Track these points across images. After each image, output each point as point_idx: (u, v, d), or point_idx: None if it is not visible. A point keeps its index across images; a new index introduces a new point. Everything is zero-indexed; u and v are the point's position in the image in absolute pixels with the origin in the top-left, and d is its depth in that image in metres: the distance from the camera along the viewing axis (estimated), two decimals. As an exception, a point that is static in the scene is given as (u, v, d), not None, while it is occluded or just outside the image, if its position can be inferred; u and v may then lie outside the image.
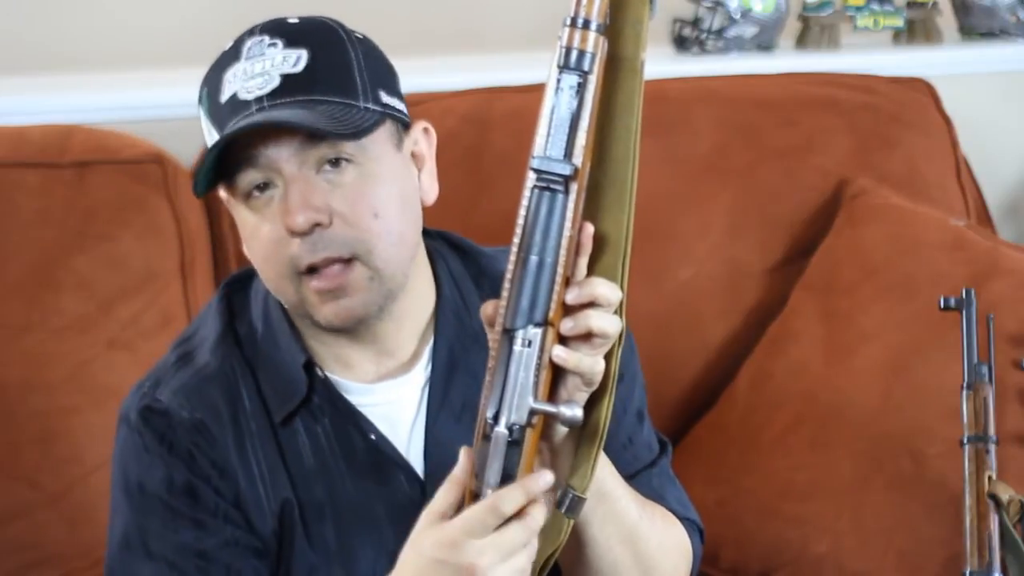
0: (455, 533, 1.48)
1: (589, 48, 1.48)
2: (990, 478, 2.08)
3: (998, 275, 2.35)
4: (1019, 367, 2.22)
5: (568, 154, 1.48)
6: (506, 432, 1.49)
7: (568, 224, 1.48)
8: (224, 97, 1.65)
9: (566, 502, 1.55)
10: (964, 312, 2.14)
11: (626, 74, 1.52)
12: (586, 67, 1.48)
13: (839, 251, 2.51)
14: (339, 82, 1.66)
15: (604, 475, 1.63)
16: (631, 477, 1.71)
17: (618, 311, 1.53)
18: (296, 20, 1.69)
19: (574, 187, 1.48)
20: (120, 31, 2.75)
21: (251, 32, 1.68)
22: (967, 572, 2.05)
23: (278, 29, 1.67)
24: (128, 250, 2.40)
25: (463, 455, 1.50)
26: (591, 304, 1.50)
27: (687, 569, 1.79)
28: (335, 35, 1.69)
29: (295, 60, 1.65)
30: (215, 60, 1.69)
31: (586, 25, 1.48)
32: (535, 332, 1.49)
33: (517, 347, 1.49)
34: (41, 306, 2.34)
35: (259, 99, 1.63)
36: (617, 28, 1.51)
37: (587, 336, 1.50)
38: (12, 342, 2.32)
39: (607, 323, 1.51)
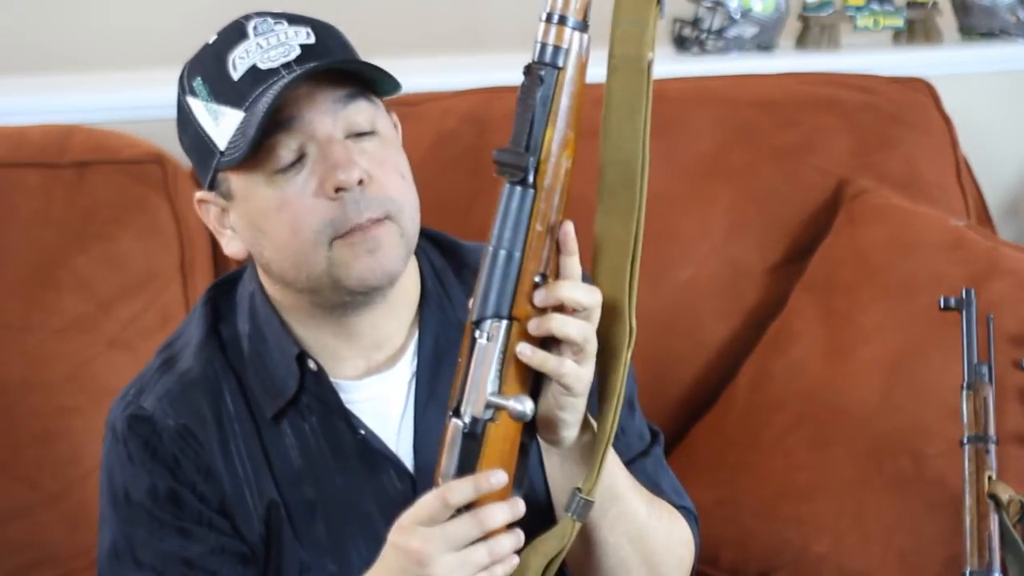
0: (405, 519, 1.51)
1: (563, 44, 1.49)
2: (990, 478, 2.08)
3: (998, 275, 2.35)
4: (1019, 367, 2.22)
5: (528, 147, 1.49)
6: (460, 424, 1.50)
7: (532, 219, 1.49)
8: (238, 73, 1.66)
9: (573, 505, 1.56)
10: (964, 312, 2.14)
11: (630, 74, 1.52)
12: (559, 63, 1.49)
13: (839, 251, 2.51)
14: (346, 55, 1.70)
15: (616, 477, 1.64)
16: (625, 466, 1.72)
17: (627, 309, 1.53)
18: (282, 10, 1.72)
19: (543, 181, 1.49)
20: (120, 31, 2.75)
21: (247, 17, 1.70)
22: (967, 572, 2.05)
23: (273, 13, 1.70)
24: (128, 250, 2.40)
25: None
26: (563, 307, 1.51)
27: (691, 562, 1.79)
28: (323, 21, 1.72)
29: (305, 34, 1.68)
30: (206, 50, 1.70)
31: (562, 21, 1.50)
32: (498, 325, 1.50)
33: (480, 340, 1.50)
34: (41, 306, 2.34)
35: (287, 65, 1.65)
36: (619, 27, 1.52)
37: (565, 344, 1.51)
38: (12, 342, 2.33)
39: (571, 329, 1.51)
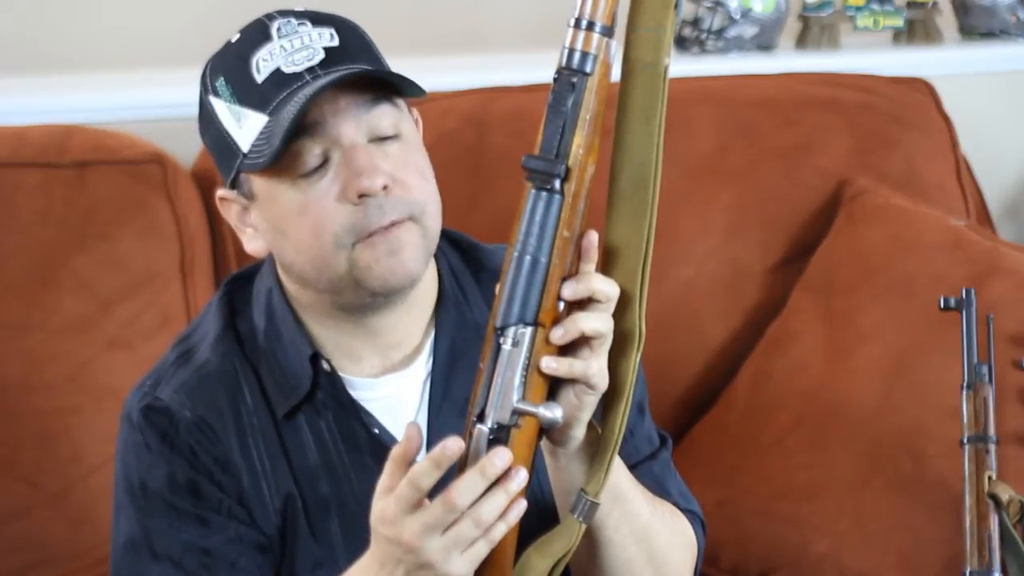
0: (390, 509, 1.49)
1: (592, 50, 1.49)
2: (990, 478, 2.08)
3: (998, 275, 2.35)
4: (1019, 367, 2.22)
5: (559, 154, 1.49)
6: (485, 430, 1.50)
7: (560, 225, 1.49)
8: (262, 76, 1.66)
9: (580, 507, 1.56)
10: (964, 312, 2.14)
11: (646, 78, 1.52)
12: (588, 68, 1.49)
13: (839, 251, 2.51)
14: (370, 57, 1.70)
15: (620, 477, 1.64)
16: (631, 468, 1.72)
17: (637, 312, 1.54)
18: (304, 8, 1.71)
19: (570, 188, 1.49)
20: (120, 32, 2.75)
21: (271, 17, 1.69)
22: (967, 572, 2.05)
23: (298, 13, 1.70)
24: (128, 250, 2.40)
25: (409, 431, 1.51)
26: (588, 301, 1.51)
27: (693, 562, 1.80)
28: (347, 20, 1.72)
29: (329, 36, 1.68)
30: (229, 49, 1.70)
31: (590, 27, 1.49)
32: (523, 332, 1.50)
33: (505, 346, 1.50)
34: (41, 306, 2.34)
35: (311, 69, 1.65)
36: (636, 32, 1.52)
37: (582, 339, 1.51)
38: (12, 342, 2.33)
39: (598, 323, 1.51)
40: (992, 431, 2.10)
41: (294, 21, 1.68)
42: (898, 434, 2.28)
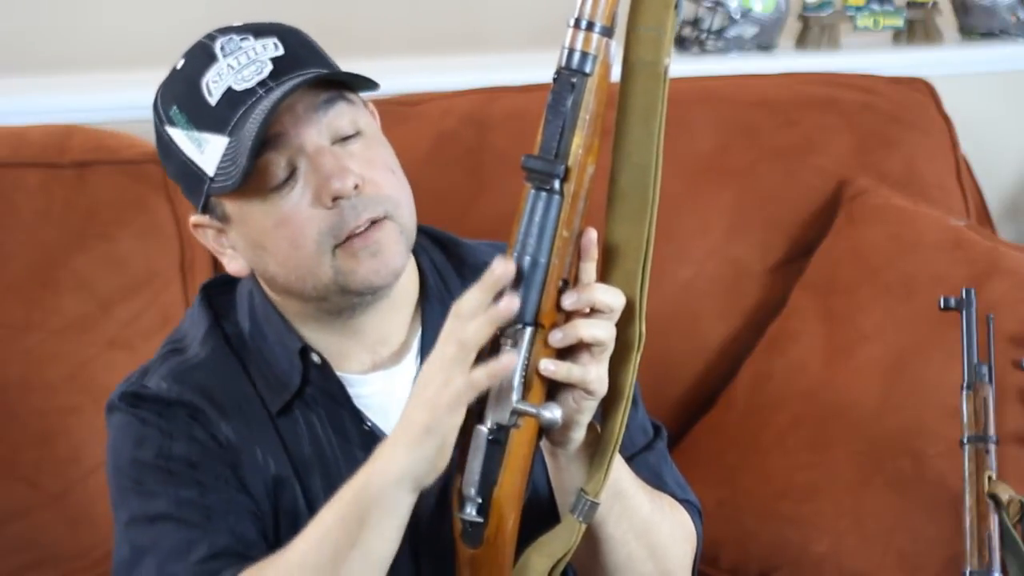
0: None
1: (591, 50, 1.49)
2: (990, 478, 2.08)
3: (998, 275, 2.35)
4: (1019, 367, 2.22)
5: (559, 154, 1.49)
6: (485, 430, 1.50)
7: (559, 225, 1.49)
8: (214, 98, 1.65)
9: (580, 507, 1.56)
10: (964, 312, 2.14)
11: (646, 79, 1.52)
12: (587, 69, 1.49)
13: (839, 251, 2.51)
14: (317, 59, 1.70)
15: (620, 474, 1.64)
16: (627, 460, 1.72)
17: (638, 317, 1.54)
18: (241, 22, 1.71)
19: (569, 188, 1.49)
20: (120, 32, 2.75)
21: (211, 37, 1.69)
22: (967, 572, 2.05)
23: (237, 28, 1.69)
24: (128, 250, 2.40)
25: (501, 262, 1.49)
26: (589, 310, 1.51)
27: (693, 554, 1.80)
28: (288, 26, 1.72)
29: (274, 46, 1.67)
30: (176, 76, 1.70)
31: (589, 27, 1.49)
32: (523, 332, 1.50)
33: (505, 347, 1.50)
34: (41, 306, 2.34)
35: (262, 83, 1.65)
36: (636, 32, 1.52)
37: (582, 345, 1.51)
38: (12, 342, 2.33)
39: (599, 331, 1.51)
40: (992, 431, 2.10)
41: (236, 37, 1.68)
42: (898, 434, 2.28)
